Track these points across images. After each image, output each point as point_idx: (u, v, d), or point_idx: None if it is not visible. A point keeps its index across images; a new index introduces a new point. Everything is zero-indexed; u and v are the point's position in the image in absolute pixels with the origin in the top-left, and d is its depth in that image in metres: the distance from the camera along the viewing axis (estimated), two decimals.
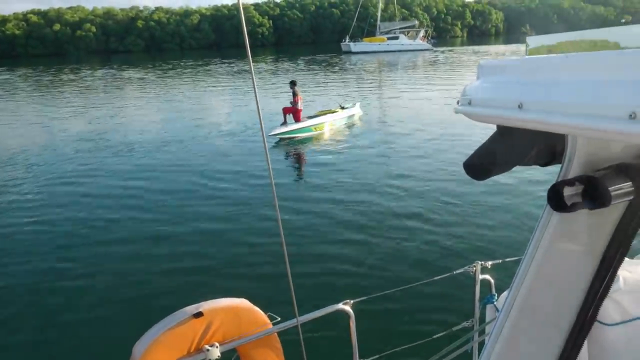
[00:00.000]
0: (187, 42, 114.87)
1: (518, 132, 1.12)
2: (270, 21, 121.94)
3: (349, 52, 65.71)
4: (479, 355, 2.20)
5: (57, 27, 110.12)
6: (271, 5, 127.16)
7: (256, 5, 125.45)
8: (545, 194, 1.13)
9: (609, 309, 1.79)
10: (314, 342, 4.01)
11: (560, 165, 1.21)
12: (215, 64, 55.24)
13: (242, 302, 2.70)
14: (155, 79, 41.85)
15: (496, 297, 2.89)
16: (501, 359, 1.46)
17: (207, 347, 2.49)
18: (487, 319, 2.86)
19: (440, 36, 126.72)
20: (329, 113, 16.35)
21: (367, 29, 73.63)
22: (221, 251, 7.53)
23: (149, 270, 6.97)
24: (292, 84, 15.64)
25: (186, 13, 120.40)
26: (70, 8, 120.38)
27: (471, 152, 1.25)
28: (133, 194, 10.54)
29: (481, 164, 1.23)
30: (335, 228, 8.20)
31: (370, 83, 31.89)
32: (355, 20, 72.88)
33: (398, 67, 43.76)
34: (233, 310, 2.61)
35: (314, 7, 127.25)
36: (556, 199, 1.08)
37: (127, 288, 6.51)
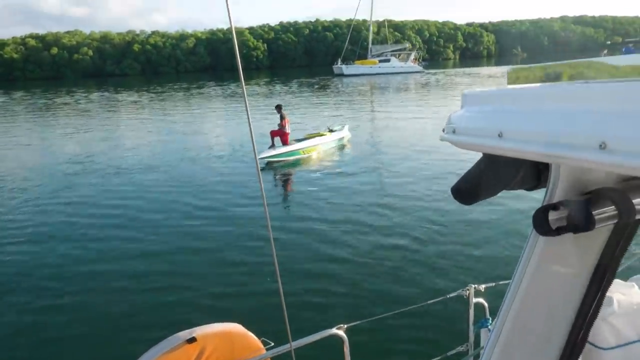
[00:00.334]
0: (183, 65, 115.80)
1: (503, 158, 1.13)
2: (265, 45, 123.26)
3: (341, 75, 66.30)
4: None
5: (54, 50, 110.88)
6: (266, 29, 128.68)
7: (251, 29, 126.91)
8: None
9: (604, 333, 1.82)
10: None
11: (545, 189, 1.24)
12: (210, 87, 55.70)
13: (236, 327, 2.70)
14: (149, 102, 42.11)
15: (490, 321, 2.90)
16: None
17: None
18: (482, 343, 2.85)
19: (433, 58, 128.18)
20: (318, 136, 16.50)
21: (358, 52, 74.40)
22: (213, 274, 7.51)
23: (141, 293, 6.93)
24: (278, 108, 15.76)
25: (182, 37, 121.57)
26: (68, 32, 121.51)
27: (459, 176, 1.27)
28: (124, 216, 10.53)
29: (468, 189, 1.25)
30: (326, 251, 8.19)
31: (361, 105, 32.17)
32: (347, 43, 73.59)
33: (389, 90, 44.18)
34: (226, 336, 2.63)
35: (307, 30, 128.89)
36: (541, 223, 1.10)
37: (120, 311, 6.46)
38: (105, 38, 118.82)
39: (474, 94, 1.24)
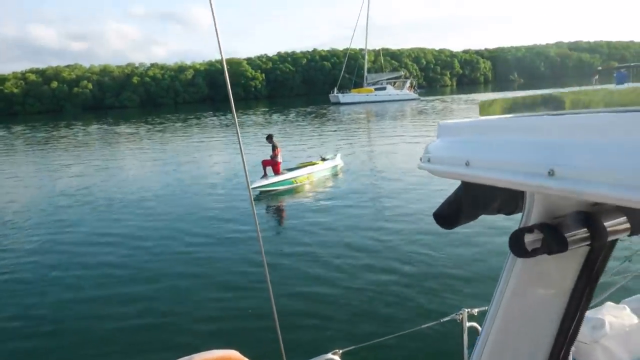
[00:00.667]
0: (182, 96, 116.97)
1: (479, 185, 1.17)
2: (263, 74, 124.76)
3: (338, 103, 66.89)
4: None
5: (54, 84, 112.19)
6: (263, 60, 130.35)
7: (249, 60, 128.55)
8: None
9: (597, 355, 1.83)
10: None
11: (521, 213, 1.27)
12: (207, 117, 56.13)
13: (233, 354, 2.67)
14: (146, 133, 42.35)
15: None
16: None
17: None
18: None
19: (430, 85, 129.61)
20: (310, 165, 16.47)
21: (354, 80, 75.20)
22: (209, 300, 7.60)
23: (137, 321, 7.01)
24: (269, 138, 15.81)
25: (180, 69, 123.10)
26: (67, 66, 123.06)
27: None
28: (120, 245, 10.62)
29: (448, 214, 1.31)
30: (320, 276, 8.27)
31: (356, 133, 32.33)
32: (342, 72, 74.42)
33: (385, 117, 44.43)
34: None
35: (305, 60, 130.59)
36: (517, 245, 1.14)
37: (115, 339, 6.52)
38: (104, 71, 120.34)
39: (447, 125, 1.31)
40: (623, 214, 1.09)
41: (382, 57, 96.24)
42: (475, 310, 3.35)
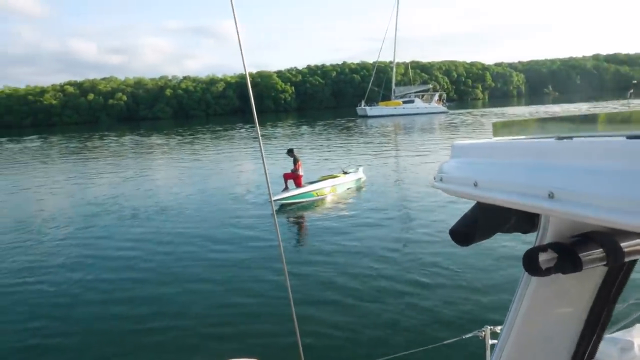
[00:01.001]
0: (213, 108, 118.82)
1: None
2: (293, 87, 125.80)
3: (365, 116, 66.75)
4: None
5: (90, 96, 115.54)
6: (293, 72, 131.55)
7: (279, 73, 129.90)
8: None
9: None
10: None
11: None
12: (236, 129, 56.72)
13: None
14: (175, 144, 43.10)
15: None
16: None
17: None
18: None
19: (462, 99, 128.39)
20: (331, 178, 16.39)
21: (382, 93, 74.97)
22: (229, 309, 7.67)
23: (161, 328, 7.09)
24: (290, 152, 15.86)
25: (212, 81, 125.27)
26: (103, 79, 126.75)
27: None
28: (142, 253, 10.82)
29: (464, 232, 1.32)
30: (340, 289, 8.23)
31: (382, 147, 32.11)
32: (370, 85, 74.32)
33: (412, 131, 44.15)
34: None
35: (335, 72, 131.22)
36: (531, 264, 1.14)
37: (138, 346, 6.60)
38: (139, 83, 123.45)
39: (460, 146, 1.35)
40: None
41: (412, 70, 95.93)
42: (498, 328, 3.27)
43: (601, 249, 1.08)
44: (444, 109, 68.72)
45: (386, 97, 74.13)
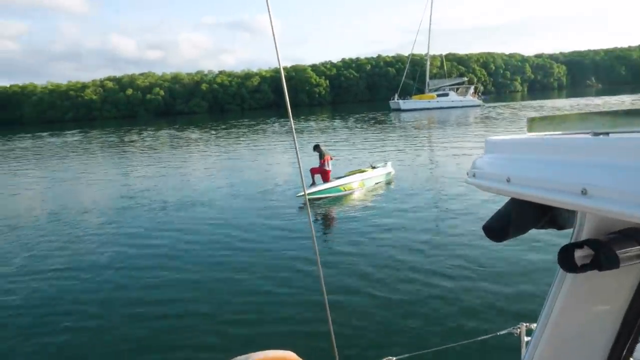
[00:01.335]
0: (248, 102, 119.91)
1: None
2: (327, 81, 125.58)
3: (398, 110, 65.98)
4: None
5: (129, 91, 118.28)
6: (328, 66, 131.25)
7: (313, 66, 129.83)
8: None
9: None
10: None
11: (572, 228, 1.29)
12: (269, 124, 57.06)
13: (289, 355, 2.65)
14: (210, 138, 43.63)
15: None
16: None
17: None
18: None
19: (499, 91, 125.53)
20: (359, 173, 16.20)
21: (416, 87, 73.91)
22: (262, 302, 7.69)
23: (196, 320, 7.17)
24: (316, 147, 15.75)
25: (247, 75, 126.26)
26: (142, 74, 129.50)
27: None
28: (173, 246, 10.98)
29: (498, 227, 1.31)
30: (372, 283, 8.16)
31: (413, 141, 31.65)
32: (404, 78, 73.38)
33: (446, 124, 43.32)
34: None
35: (369, 66, 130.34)
36: (566, 261, 1.14)
37: (175, 337, 6.70)
38: (175, 78, 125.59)
39: (494, 142, 1.36)
40: None
41: (447, 63, 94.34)
42: (534, 325, 3.14)
43: (639, 247, 1.07)
44: (479, 102, 67.26)
45: (420, 91, 73.10)
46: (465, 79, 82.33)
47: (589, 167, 0.94)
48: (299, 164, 2.02)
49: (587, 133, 1.08)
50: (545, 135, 1.23)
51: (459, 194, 14.33)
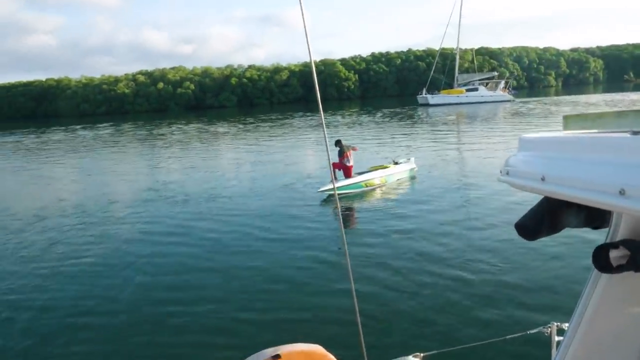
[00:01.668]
0: (277, 96, 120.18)
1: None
2: (356, 75, 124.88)
3: (427, 105, 65.14)
4: None
5: (160, 85, 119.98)
6: (357, 60, 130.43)
7: (342, 61, 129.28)
8: None
9: None
10: None
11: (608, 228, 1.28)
12: (297, 118, 57.10)
13: (317, 349, 2.74)
14: (237, 132, 43.97)
15: None
16: None
17: None
18: None
19: (533, 86, 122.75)
20: (381, 169, 16.07)
21: (445, 81, 72.78)
22: (291, 297, 7.82)
23: (221, 314, 7.31)
24: (338, 143, 15.66)
25: (276, 70, 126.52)
26: (172, 68, 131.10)
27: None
28: (198, 240, 11.17)
29: (531, 226, 1.31)
30: (400, 279, 8.18)
31: (439, 136, 31.22)
32: (432, 72, 72.34)
33: (475, 120, 42.57)
34: (309, 356, 2.68)
35: (399, 60, 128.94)
36: (601, 261, 1.13)
37: (205, 330, 6.84)
38: (205, 72, 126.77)
39: (528, 139, 1.35)
40: None
41: (479, 57, 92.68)
42: (565, 325, 3.16)
43: None
44: (510, 97, 65.75)
45: (449, 85, 72.01)
46: (496, 73, 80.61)
47: (627, 166, 0.91)
48: (329, 159, 2.07)
49: (625, 132, 1.04)
50: (582, 133, 1.20)
51: (486, 191, 14.09)
